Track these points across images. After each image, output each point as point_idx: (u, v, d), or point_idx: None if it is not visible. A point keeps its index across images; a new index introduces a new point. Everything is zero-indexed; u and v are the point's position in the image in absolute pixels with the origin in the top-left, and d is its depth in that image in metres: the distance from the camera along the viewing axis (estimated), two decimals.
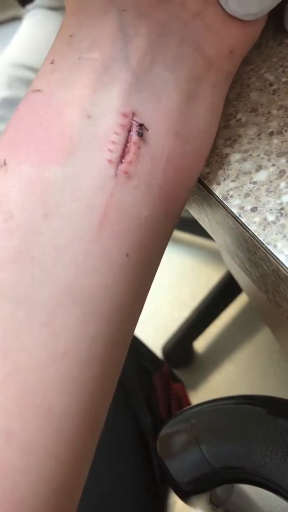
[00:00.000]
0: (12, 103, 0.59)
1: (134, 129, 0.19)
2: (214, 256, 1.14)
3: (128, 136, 0.19)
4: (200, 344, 1.03)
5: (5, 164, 0.18)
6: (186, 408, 0.30)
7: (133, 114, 0.19)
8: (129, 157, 0.18)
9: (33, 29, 0.65)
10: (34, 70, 0.61)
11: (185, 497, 0.30)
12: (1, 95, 0.60)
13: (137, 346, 0.58)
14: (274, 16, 0.25)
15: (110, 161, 0.18)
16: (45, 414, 0.16)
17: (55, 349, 0.16)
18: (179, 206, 0.20)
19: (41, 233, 0.17)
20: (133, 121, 0.19)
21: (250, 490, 0.34)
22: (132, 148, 0.19)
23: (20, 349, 0.16)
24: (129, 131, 0.19)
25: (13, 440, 0.15)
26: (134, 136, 0.19)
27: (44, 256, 0.17)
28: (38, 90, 0.19)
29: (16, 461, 0.15)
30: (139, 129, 0.19)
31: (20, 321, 0.16)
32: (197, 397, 0.95)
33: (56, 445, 0.16)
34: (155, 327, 1.06)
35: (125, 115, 0.19)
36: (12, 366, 0.16)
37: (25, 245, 0.17)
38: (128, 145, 0.19)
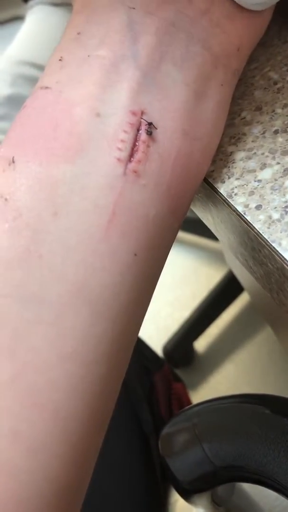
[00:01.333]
0: (15, 100, 0.59)
1: (143, 127, 0.19)
2: (215, 256, 1.14)
3: (137, 135, 0.19)
4: (201, 344, 1.03)
5: (13, 161, 0.18)
6: (188, 407, 0.30)
7: (142, 113, 0.19)
8: (138, 155, 0.18)
9: (35, 26, 0.65)
10: (37, 66, 0.61)
11: (187, 495, 0.30)
12: (4, 92, 0.59)
13: (139, 346, 0.58)
14: (279, 13, 0.25)
15: (119, 160, 0.18)
16: (51, 415, 0.16)
17: (62, 349, 0.16)
18: (186, 204, 0.20)
19: (49, 232, 0.17)
20: (142, 120, 0.19)
21: (251, 490, 0.34)
22: (141, 146, 0.18)
23: (28, 349, 0.16)
24: (138, 129, 0.19)
25: (20, 440, 0.15)
26: (143, 135, 0.19)
27: (52, 255, 0.17)
28: (46, 87, 0.19)
29: (22, 461, 0.15)
30: (148, 127, 0.19)
31: (28, 321, 0.16)
32: (197, 396, 0.95)
33: (62, 445, 0.16)
34: (156, 327, 1.06)
35: (134, 113, 0.19)
36: (20, 367, 0.16)
37: (33, 244, 0.17)
38: (137, 143, 0.18)
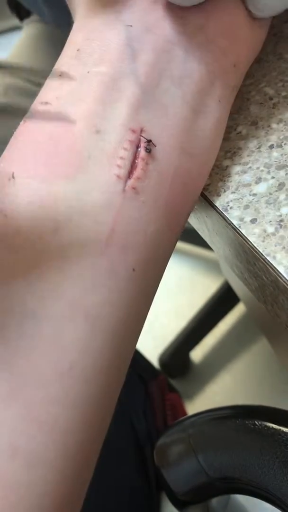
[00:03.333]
0: (7, 110, 0.59)
1: (142, 145, 0.19)
2: (212, 266, 1.14)
3: (136, 152, 0.19)
4: (197, 354, 1.03)
5: (13, 177, 0.18)
6: (183, 417, 0.30)
7: (141, 130, 0.19)
8: (137, 173, 0.19)
9: (29, 41, 0.66)
10: (29, 80, 0.62)
11: (181, 507, 0.29)
12: None
13: (134, 356, 0.58)
14: (274, 31, 0.26)
15: (118, 177, 0.18)
16: (50, 429, 0.16)
17: (61, 364, 0.16)
18: (183, 220, 0.21)
19: (49, 248, 0.17)
20: (141, 137, 0.19)
21: (246, 502, 0.34)
22: (140, 164, 0.19)
23: (26, 364, 0.16)
24: (137, 147, 0.19)
25: (18, 455, 0.15)
26: (142, 152, 0.19)
27: (52, 271, 0.17)
28: (46, 103, 0.19)
29: (21, 476, 0.15)
30: (147, 145, 0.19)
31: (27, 335, 0.16)
32: (193, 407, 0.94)
33: (61, 459, 0.16)
34: (152, 337, 1.06)
35: (133, 131, 0.19)
36: (18, 381, 0.16)
37: (33, 259, 0.17)
38: (136, 160, 0.19)
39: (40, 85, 0.21)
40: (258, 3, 0.20)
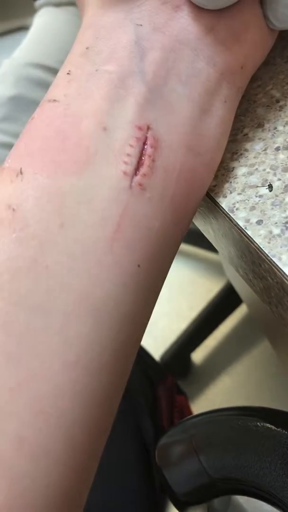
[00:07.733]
0: (18, 101, 0.59)
1: (149, 142, 0.19)
2: (213, 268, 1.14)
3: (142, 149, 0.19)
4: (198, 355, 1.03)
5: (21, 173, 0.18)
6: (185, 418, 0.30)
7: (148, 128, 0.19)
8: (143, 169, 0.19)
9: (40, 29, 0.65)
10: (41, 66, 0.61)
11: (182, 508, 0.29)
12: (7, 93, 0.59)
13: (143, 356, 0.58)
14: (282, 34, 0.26)
15: (125, 173, 0.19)
16: (56, 421, 0.16)
17: (67, 357, 0.17)
18: (189, 217, 0.21)
19: (56, 243, 0.17)
20: (147, 135, 0.19)
21: (247, 504, 0.34)
22: (146, 160, 0.19)
23: (34, 357, 0.16)
24: (144, 144, 0.19)
25: (25, 446, 0.16)
26: (148, 149, 0.19)
27: (59, 266, 0.17)
28: (54, 100, 0.20)
29: (27, 467, 0.16)
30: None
31: (34, 329, 0.17)
32: (193, 408, 0.94)
33: (66, 452, 0.16)
34: (153, 338, 1.06)
35: (140, 128, 0.19)
36: (26, 374, 0.16)
37: (40, 254, 0.17)
38: (142, 157, 0.19)
39: (56, 72, 0.21)
40: (278, 13, 0.21)
